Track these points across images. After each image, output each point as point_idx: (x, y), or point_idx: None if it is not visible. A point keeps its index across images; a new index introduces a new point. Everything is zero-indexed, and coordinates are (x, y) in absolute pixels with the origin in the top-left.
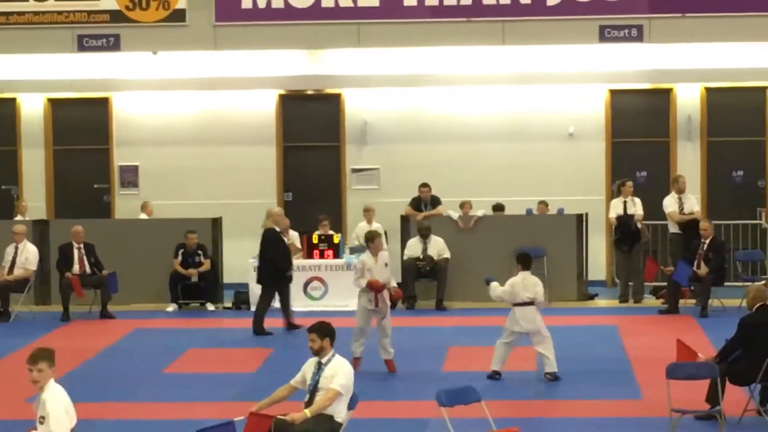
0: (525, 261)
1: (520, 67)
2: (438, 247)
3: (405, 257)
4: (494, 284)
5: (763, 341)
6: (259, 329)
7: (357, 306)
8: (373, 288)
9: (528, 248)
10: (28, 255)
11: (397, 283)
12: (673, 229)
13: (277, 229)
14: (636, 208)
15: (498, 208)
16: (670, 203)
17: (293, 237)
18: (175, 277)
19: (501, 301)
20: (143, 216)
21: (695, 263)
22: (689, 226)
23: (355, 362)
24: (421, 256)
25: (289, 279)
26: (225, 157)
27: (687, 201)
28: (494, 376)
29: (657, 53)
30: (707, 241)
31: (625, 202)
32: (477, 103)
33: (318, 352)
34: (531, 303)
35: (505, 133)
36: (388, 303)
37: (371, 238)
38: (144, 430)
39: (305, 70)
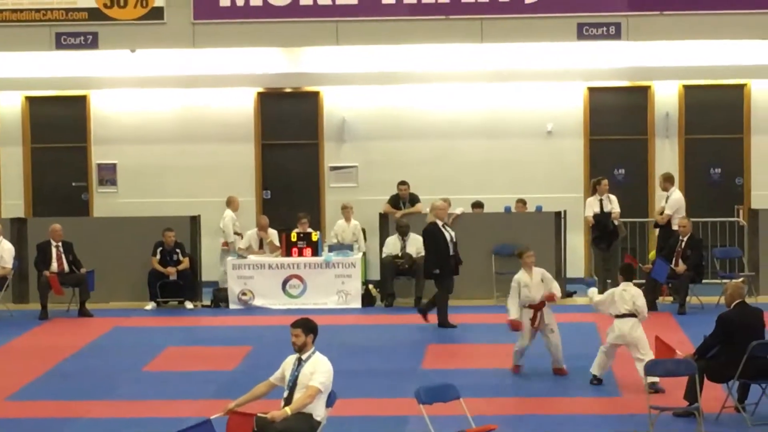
0: (627, 272)
1: (499, 64)
2: (416, 244)
3: (383, 255)
4: (593, 290)
5: (741, 338)
6: (443, 322)
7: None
8: (513, 327)
9: (506, 245)
10: (4, 253)
11: (376, 281)
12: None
13: (440, 223)
14: (612, 205)
15: (477, 205)
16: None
17: (272, 235)
18: (154, 275)
19: (597, 309)
20: (229, 212)
21: (673, 261)
22: (667, 224)
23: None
24: (400, 254)
25: (451, 273)
26: (203, 155)
27: (608, 203)
28: (593, 381)
29: (635, 51)
30: (685, 239)
31: (601, 200)
32: (456, 101)
33: (300, 348)
34: (632, 315)
35: (484, 131)
36: (547, 320)
37: (519, 253)
38: (123, 428)
39: (283, 68)
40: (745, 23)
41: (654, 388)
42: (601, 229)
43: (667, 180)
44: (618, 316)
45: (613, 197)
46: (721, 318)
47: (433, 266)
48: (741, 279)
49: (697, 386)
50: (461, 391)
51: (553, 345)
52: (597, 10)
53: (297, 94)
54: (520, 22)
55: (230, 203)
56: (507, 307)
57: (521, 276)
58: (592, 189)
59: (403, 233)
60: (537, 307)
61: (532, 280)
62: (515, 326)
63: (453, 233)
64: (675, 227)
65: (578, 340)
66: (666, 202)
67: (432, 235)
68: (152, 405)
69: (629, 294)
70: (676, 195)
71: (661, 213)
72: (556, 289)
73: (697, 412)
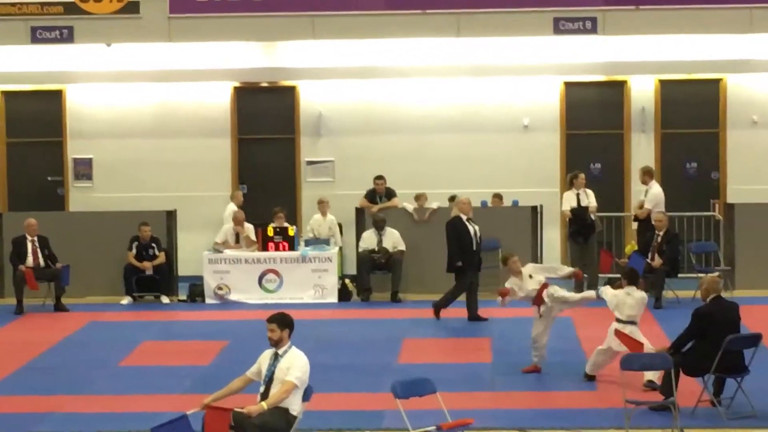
0: (631, 276)
1: (475, 59)
2: (393, 239)
3: (360, 249)
4: (605, 287)
5: (717, 332)
6: (437, 310)
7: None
8: (500, 294)
9: (482, 240)
10: None
11: (353, 276)
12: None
13: (464, 217)
14: (589, 199)
15: (454, 199)
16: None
17: (248, 229)
18: (130, 269)
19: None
20: (232, 205)
21: (649, 255)
22: (644, 218)
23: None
24: (376, 248)
25: (474, 268)
26: (179, 149)
27: (584, 197)
28: (585, 378)
29: (611, 45)
30: (661, 233)
31: (578, 195)
32: (432, 95)
33: (277, 343)
34: (631, 323)
35: (460, 125)
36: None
37: (504, 260)
38: (99, 423)
39: (260, 63)
40: (721, 18)
41: (651, 386)
42: (578, 223)
43: (647, 174)
44: (619, 321)
45: (589, 191)
46: (697, 312)
47: (456, 259)
48: (717, 273)
49: (672, 380)
50: (437, 385)
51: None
52: (573, 4)
53: (273, 89)
54: (496, 16)
55: (234, 197)
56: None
57: (513, 282)
58: (569, 183)
59: (380, 228)
60: (537, 302)
61: (523, 282)
62: (502, 293)
63: (477, 228)
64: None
65: (554, 334)
66: (645, 196)
67: (455, 228)
68: (128, 400)
69: (632, 299)
70: (656, 189)
71: (641, 207)
72: (559, 269)
73: (673, 406)
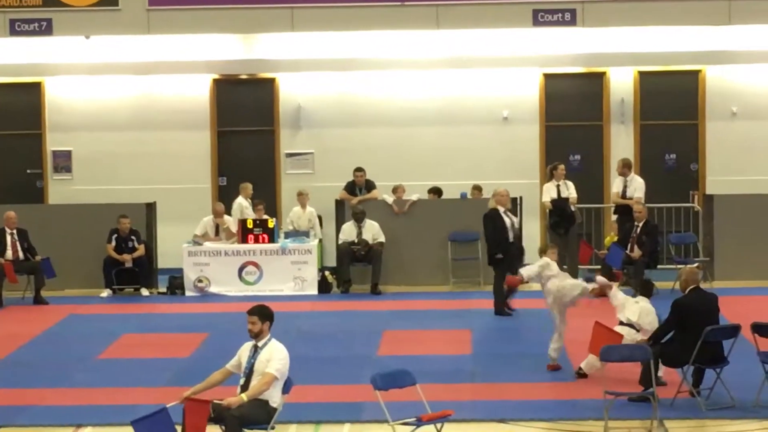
0: (645, 289)
1: (455, 51)
2: (373, 231)
3: (340, 241)
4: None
5: (696, 323)
6: (498, 310)
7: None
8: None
9: (462, 232)
10: None
11: (333, 268)
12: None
13: (501, 209)
14: (570, 191)
15: (434, 191)
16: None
17: (228, 222)
18: (109, 262)
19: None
20: (241, 198)
21: (628, 246)
22: (624, 210)
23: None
24: (356, 240)
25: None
26: (159, 141)
27: (565, 188)
28: (578, 372)
29: (590, 37)
30: (640, 224)
31: (558, 186)
32: (411, 87)
33: (257, 336)
34: (631, 326)
35: (440, 117)
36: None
37: (543, 250)
38: (78, 416)
39: (239, 55)
40: (699, 9)
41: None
42: (558, 214)
43: (626, 165)
44: (621, 324)
45: (569, 183)
46: (676, 303)
47: (493, 252)
48: (696, 264)
49: (652, 371)
50: (417, 377)
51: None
52: None
53: (253, 81)
54: (475, 8)
55: (242, 190)
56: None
57: (548, 263)
58: (549, 174)
59: (359, 220)
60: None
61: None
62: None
63: (515, 220)
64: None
65: (535, 326)
66: (626, 186)
67: (492, 220)
68: (108, 392)
69: (638, 307)
70: (640, 179)
71: (623, 197)
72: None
73: (652, 397)
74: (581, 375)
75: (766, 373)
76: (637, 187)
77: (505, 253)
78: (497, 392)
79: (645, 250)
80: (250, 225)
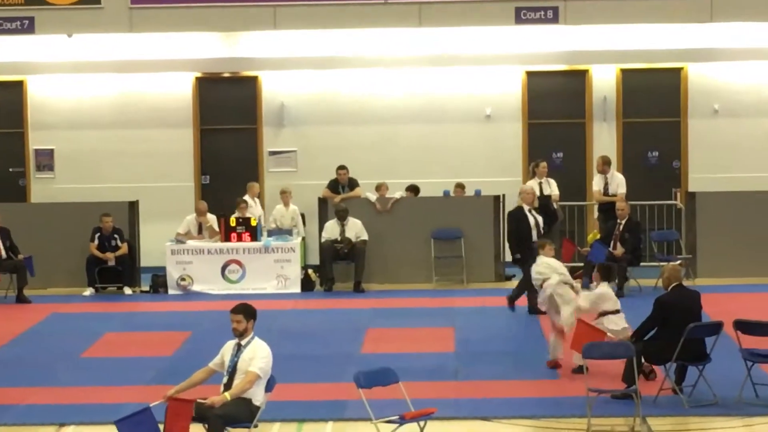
0: (606, 274)
1: (437, 49)
2: (356, 229)
3: (323, 240)
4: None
5: (679, 321)
6: (511, 301)
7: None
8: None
9: (445, 230)
10: None
11: (316, 266)
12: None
13: (526, 207)
14: (552, 188)
15: (411, 189)
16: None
17: (210, 220)
18: (92, 260)
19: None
20: (247, 198)
21: (611, 244)
22: (606, 207)
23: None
24: (339, 239)
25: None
26: (141, 140)
27: (547, 186)
28: (575, 370)
29: (573, 35)
30: (623, 222)
31: (540, 183)
32: (394, 85)
33: (242, 334)
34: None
35: (422, 115)
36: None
37: (542, 245)
38: (61, 415)
39: (222, 53)
40: (682, 7)
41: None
42: (540, 212)
43: (606, 163)
44: (608, 313)
45: (552, 180)
46: (659, 301)
47: (513, 251)
48: (678, 262)
49: (634, 369)
50: (400, 375)
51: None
52: None
53: (235, 79)
54: (458, 6)
55: (250, 189)
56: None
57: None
58: (531, 172)
59: (342, 218)
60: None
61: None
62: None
63: (540, 219)
64: None
65: (516, 323)
66: (607, 184)
67: (515, 219)
68: (91, 391)
69: (594, 293)
70: (620, 175)
71: (605, 195)
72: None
73: (635, 394)
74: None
75: (749, 371)
76: (619, 183)
77: (529, 251)
78: (480, 390)
79: (627, 247)
80: (233, 223)
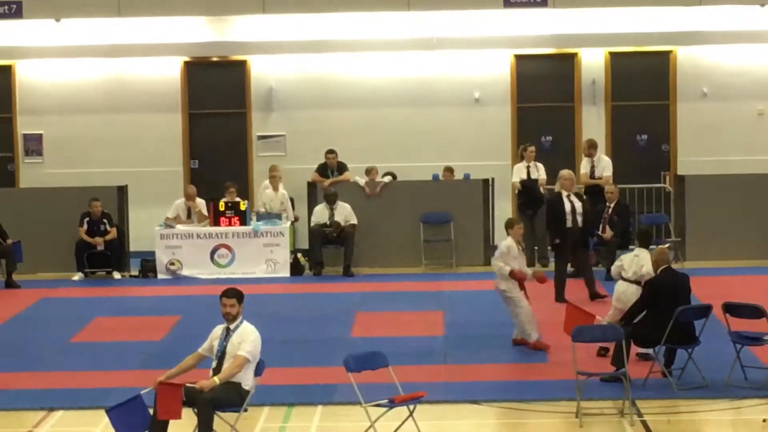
0: (643, 238)
1: (426, 32)
2: (345, 213)
3: (312, 224)
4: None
5: (668, 303)
6: (559, 298)
7: (502, 296)
8: (517, 278)
9: (434, 213)
10: None
11: (305, 250)
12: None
13: (565, 194)
14: (540, 172)
15: (389, 175)
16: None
17: (200, 204)
18: (81, 245)
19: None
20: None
21: (600, 227)
22: (594, 190)
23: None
24: (328, 222)
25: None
26: (130, 124)
27: (535, 170)
28: (601, 352)
29: (561, 18)
30: (612, 205)
31: (528, 167)
32: (383, 69)
33: (234, 318)
34: (637, 282)
35: (411, 99)
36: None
37: (511, 224)
38: (51, 400)
39: (210, 37)
40: None
41: (645, 359)
42: (527, 195)
43: (592, 146)
44: (625, 279)
45: (540, 165)
46: (648, 283)
47: (551, 238)
48: (667, 245)
49: (624, 351)
50: (390, 358)
51: (525, 313)
52: None
53: (224, 63)
54: None
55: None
56: (503, 270)
57: (512, 243)
58: (520, 156)
59: (331, 202)
60: (520, 280)
61: (519, 253)
62: (521, 277)
63: (579, 205)
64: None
65: (505, 307)
66: (593, 167)
67: (552, 205)
68: (80, 376)
69: (639, 259)
70: (607, 158)
71: (591, 178)
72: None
73: (624, 377)
74: (605, 351)
75: (738, 353)
76: (605, 166)
77: (563, 239)
78: (470, 373)
79: (616, 230)
80: (222, 207)
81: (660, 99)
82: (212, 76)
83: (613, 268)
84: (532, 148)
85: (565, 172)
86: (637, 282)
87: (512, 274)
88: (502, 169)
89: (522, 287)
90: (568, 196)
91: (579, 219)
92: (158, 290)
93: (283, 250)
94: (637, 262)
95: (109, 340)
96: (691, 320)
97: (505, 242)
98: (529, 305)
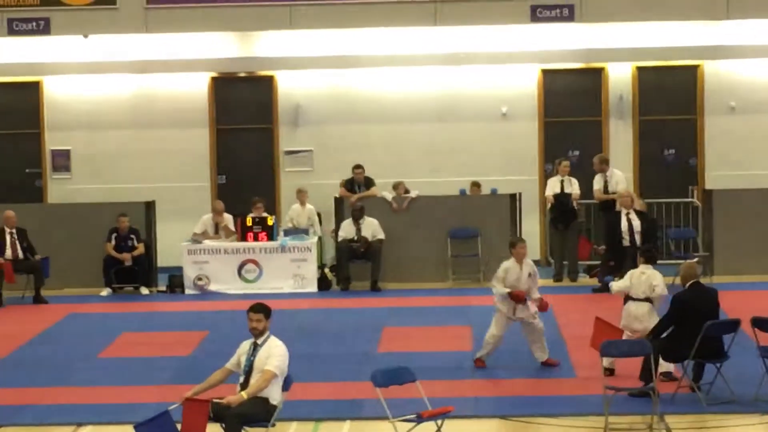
0: (647, 254)
1: (453, 47)
2: (372, 228)
3: (339, 239)
4: (612, 283)
5: (696, 318)
6: None
7: (495, 313)
8: (515, 298)
9: (462, 229)
10: None
11: (332, 265)
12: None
13: (624, 211)
14: (573, 187)
15: (396, 187)
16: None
17: (227, 220)
18: (109, 261)
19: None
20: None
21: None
22: (607, 206)
23: (479, 363)
24: (355, 238)
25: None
26: (158, 140)
27: (568, 184)
28: (605, 372)
29: (588, 32)
30: (632, 213)
31: (562, 181)
32: (410, 84)
33: (261, 333)
34: (647, 300)
35: (438, 114)
36: (532, 310)
37: (513, 243)
38: (79, 415)
39: (237, 53)
40: (697, 4)
41: (668, 378)
42: (559, 209)
43: (603, 161)
44: (632, 299)
45: (573, 179)
46: (676, 298)
47: (607, 257)
48: (695, 259)
49: (652, 366)
50: (417, 373)
51: (537, 333)
52: None
53: (251, 79)
54: (473, 4)
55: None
56: (494, 290)
57: (511, 265)
58: (554, 170)
59: (358, 217)
60: (518, 299)
61: (522, 272)
62: (519, 296)
63: (637, 223)
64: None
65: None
66: (607, 182)
67: (608, 225)
68: (108, 391)
69: (646, 277)
70: (619, 172)
71: (606, 193)
72: (536, 292)
73: (653, 392)
74: (610, 372)
75: (766, 368)
76: (618, 180)
77: (618, 259)
78: (498, 388)
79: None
80: (249, 223)
81: (687, 113)
82: (239, 92)
83: (615, 285)
84: (566, 163)
85: (622, 190)
86: (647, 300)
87: (511, 296)
88: (530, 184)
89: (523, 304)
90: (627, 214)
91: (636, 238)
92: (186, 305)
93: (310, 265)
94: (645, 280)
95: (136, 356)
96: (719, 335)
97: (505, 264)
98: (538, 324)
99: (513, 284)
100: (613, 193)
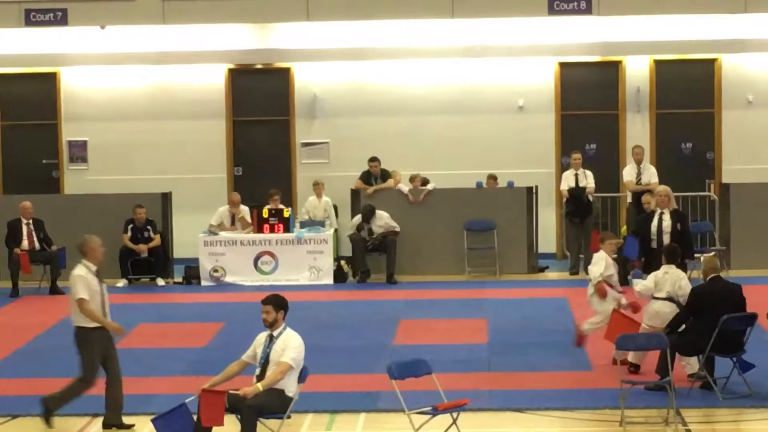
0: (670, 254)
1: (470, 40)
2: (382, 222)
3: (350, 231)
4: (636, 281)
5: (713, 312)
6: None
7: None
8: (600, 293)
9: (478, 221)
10: None
11: (347, 257)
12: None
13: (658, 210)
14: (588, 180)
15: (414, 179)
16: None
17: (243, 211)
18: (125, 252)
19: (641, 296)
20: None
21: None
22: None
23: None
24: (366, 238)
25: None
26: (174, 131)
27: (583, 177)
28: (631, 368)
29: (606, 26)
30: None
31: (576, 175)
32: (427, 76)
33: (272, 325)
34: (670, 299)
35: (455, 106)
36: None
37: (603, 239)
38: (95, 406)
39: (254, 44)
40: None
41: (698, 377)
42: (574, 203)
43: (642, 153)
44: (657, 298)
45: (588, 173)
46: (695, 291)
47: (639, 256)
48: (713, 253)
49: (668, 360)
50: (433, 366)
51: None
52: None
53: (268, 70)
54: None
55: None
56: (594, 274)
57: (604, 258)
58: (568, 163)
59: (367, 219)
60: (602, 294)
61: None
62: (602, 291)
63: (669, 223)
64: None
65: (549, 314)
66: (640, 173)
67: (640, 223)
68: (124, 382)
69: (670, 277)
70: (652, 166)
71: (639, 183)
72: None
73: (669, 385)
74: (635, 368)
75: None
76: (652, 173)
77: (648, 260)
78: (513, 381)
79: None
80: (265, 215)
81: (705, 107)
82: (256, 84)
83: (638, 286)
84: (577, 155)
85: (660, 189)
86: (670, 299)
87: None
88: (546, 176)
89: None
90: (661, 214)
91: (665, 238)
92: (202, 297)
93: (326, 258)
94: (669, 279)
95: (152, 347)
96: (736, 329)
97: (598, 255)
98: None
99: (607, 277)
100: (647, 184)
